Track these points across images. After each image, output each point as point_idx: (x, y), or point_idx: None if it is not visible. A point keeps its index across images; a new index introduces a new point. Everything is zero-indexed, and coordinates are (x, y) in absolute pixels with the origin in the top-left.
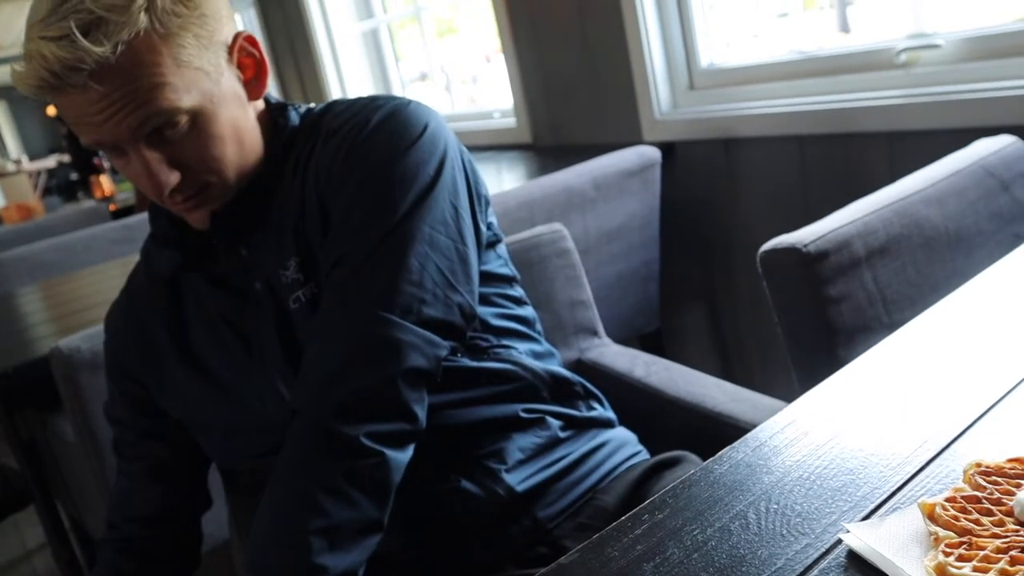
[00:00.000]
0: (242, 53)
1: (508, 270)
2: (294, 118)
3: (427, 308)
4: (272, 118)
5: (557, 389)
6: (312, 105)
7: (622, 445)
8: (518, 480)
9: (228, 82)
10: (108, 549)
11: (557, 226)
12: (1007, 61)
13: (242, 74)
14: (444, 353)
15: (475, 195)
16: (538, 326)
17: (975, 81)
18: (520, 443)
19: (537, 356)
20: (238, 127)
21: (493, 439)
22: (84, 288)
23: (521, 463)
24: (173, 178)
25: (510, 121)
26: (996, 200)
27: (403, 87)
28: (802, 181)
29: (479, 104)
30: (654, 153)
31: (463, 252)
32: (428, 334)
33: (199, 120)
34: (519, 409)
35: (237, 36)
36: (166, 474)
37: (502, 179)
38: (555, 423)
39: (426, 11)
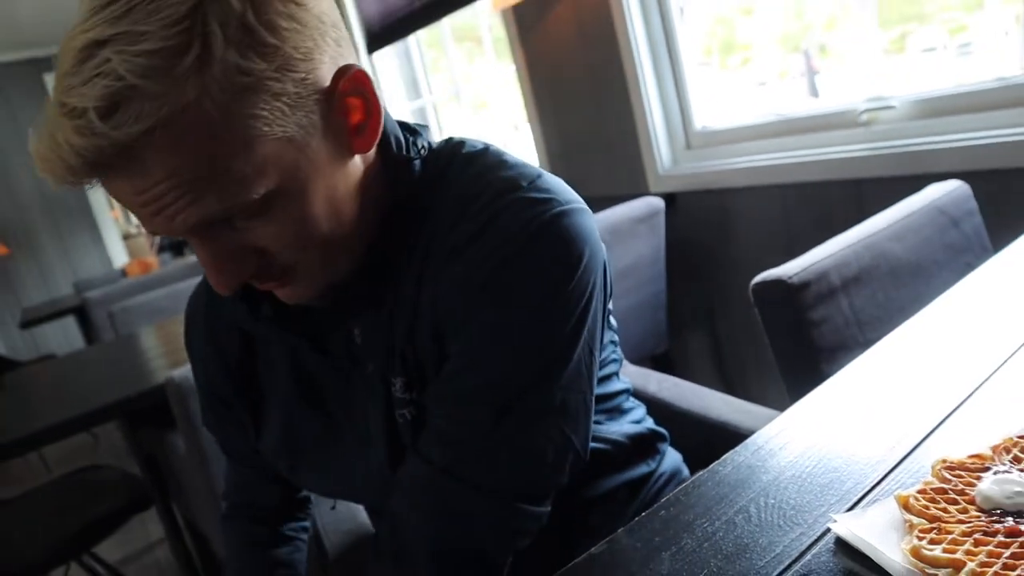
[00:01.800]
0: (347, 94)
1: (617, 365)
2: (417, 167)
3: (551, 482)
4: (389, 172)
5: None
6: (431, 142)
7: (677, 472)
8: None
9: (323, 142)
10: (237, 520)
11: None
12: (951, 118)
13: (346, 119)
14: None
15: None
16: (623, 382)
17: (926, 135)
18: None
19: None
20: (335, 198)
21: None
22: None
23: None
24: (246, 269)
25: None
26: (948, 234)
27: (435, 111)
28: (785, 223)
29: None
30: (659, 203)
31: (589, 402)
32: (540, 510)
33: (278, 200)
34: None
35: (340, 75)
36: (279, 478)
37: None
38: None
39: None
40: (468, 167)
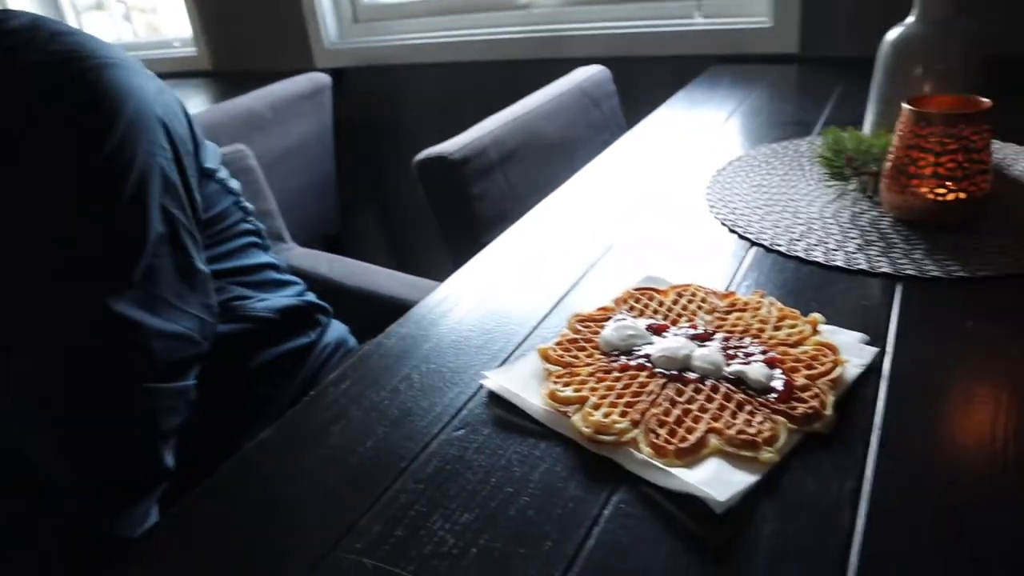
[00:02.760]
0: None
1: (256, 238)
2: None
3: (173, 354)
4: None
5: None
6: None
7: (343, 342)
8: None
9: None
10: None
11: (240, 147)
12: (597, 7)
13: None
14: None
15: (191, 184)
16: (268, 256)
17: (576, 22)
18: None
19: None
20: None
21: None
22: None
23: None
24: None
25: (191, 50)
26: (591, 114)
27: (77, 16)
28: (449, 100)
29: (160, 33)
30: (324, 79)
31: (194, 267)
32: (176, 385)
33: None
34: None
35: None
36: None
37: (187, 106)
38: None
39: None
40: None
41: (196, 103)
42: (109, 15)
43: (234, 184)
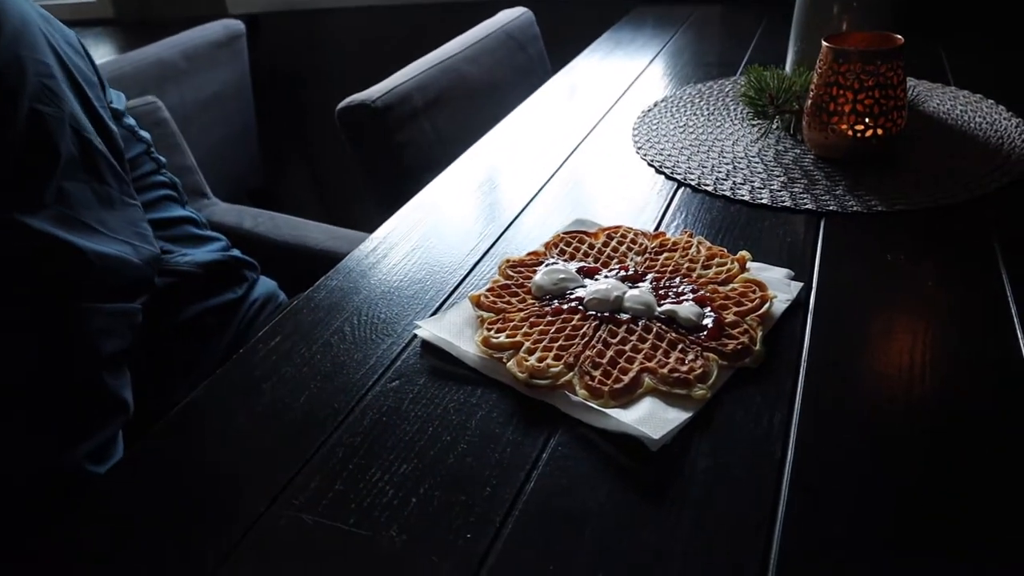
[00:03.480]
0: None
1: (170, 191)
2: None
3: (105, 269)
4: None
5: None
6: None
7: (272, 297)
8: None
9: None
10: None
11: (151, 99)
12: None
13: None
14: None
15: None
16: (185, 211)
17: None
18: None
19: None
20: None
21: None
22: None
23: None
24: None
25: None
26: (517, 57)
27: None
28: (371, 45)
29: None
30: (238, 25)
31: (106, 191)
32: (117, 306)
33: None
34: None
35: None
36: None
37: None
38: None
39: None
40: None
41: (100, 53)
42: None
43: (144, 134)
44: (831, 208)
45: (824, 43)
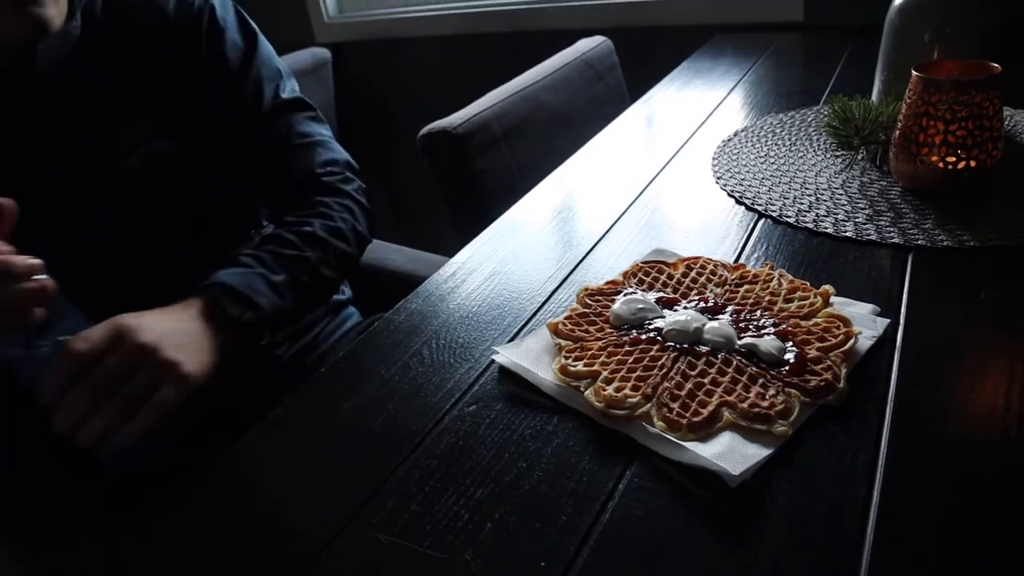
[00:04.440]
0: None
1: None
2: None
3: None
4: None
5: None
6: None
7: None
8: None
9: None
10: None
11: None
12: None
13: None
14: None
15: None
16: None
17: None
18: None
19: None
20: None
21: None
22: None
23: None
24: None
25: None
26: (594, 86)
27: None
28: (452, 73)
29: None
30: (325, 53)
31: None
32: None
33: None
34: None
35: None
36: None
37: None
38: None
39: None
40: None
41: None
42: None
43: None
44: (919, 242)
45: (914, 72)
